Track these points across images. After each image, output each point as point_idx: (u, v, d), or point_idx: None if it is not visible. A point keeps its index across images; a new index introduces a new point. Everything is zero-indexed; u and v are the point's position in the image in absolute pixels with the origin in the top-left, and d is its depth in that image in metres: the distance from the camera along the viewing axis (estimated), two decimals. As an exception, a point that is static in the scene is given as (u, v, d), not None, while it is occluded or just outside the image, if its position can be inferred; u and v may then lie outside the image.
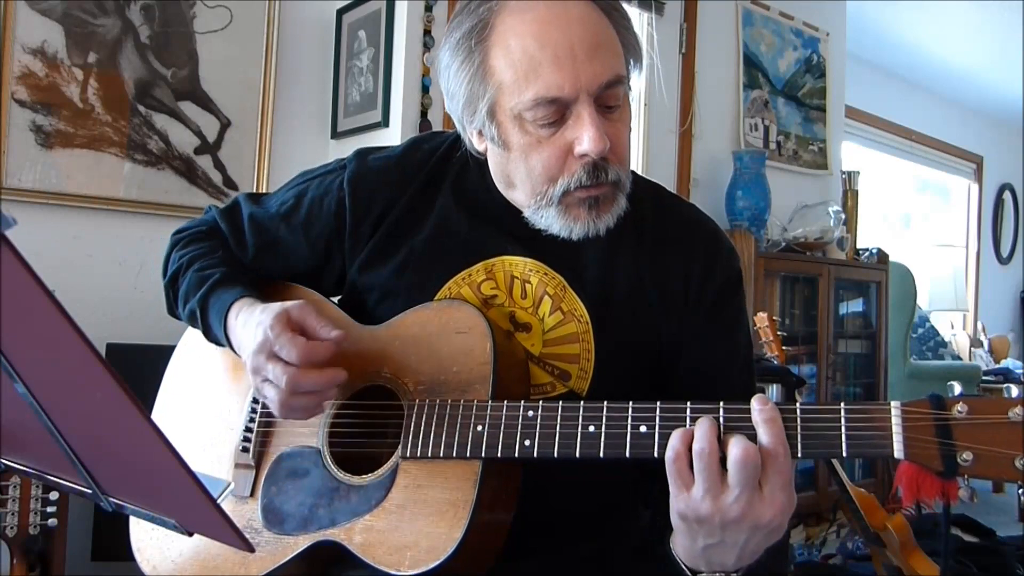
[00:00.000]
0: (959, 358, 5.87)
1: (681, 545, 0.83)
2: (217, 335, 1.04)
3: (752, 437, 0.77)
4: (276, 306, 0.95)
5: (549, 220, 0.98)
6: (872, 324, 4.15)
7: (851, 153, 5.06)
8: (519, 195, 1.01)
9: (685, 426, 0.81)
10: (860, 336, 4.12)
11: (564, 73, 0.90)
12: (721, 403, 0.80)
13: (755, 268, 3.37)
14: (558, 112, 0.92)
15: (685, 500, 0.78)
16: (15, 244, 0.55)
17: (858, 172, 4.29)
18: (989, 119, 6.74)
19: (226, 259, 1.11)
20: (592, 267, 1.02)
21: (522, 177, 0.98)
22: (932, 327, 5.62)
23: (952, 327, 6.29)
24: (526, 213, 1.00)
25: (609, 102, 0.94)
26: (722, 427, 0.79)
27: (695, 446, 0.77)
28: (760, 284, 3.41)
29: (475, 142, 1.03)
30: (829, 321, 3.77)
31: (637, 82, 1.05)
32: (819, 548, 3.22)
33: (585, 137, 0.91)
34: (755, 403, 0.78)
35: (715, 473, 0.76)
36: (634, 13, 3.21)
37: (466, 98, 0.97)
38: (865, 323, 4.16)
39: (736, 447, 0.75)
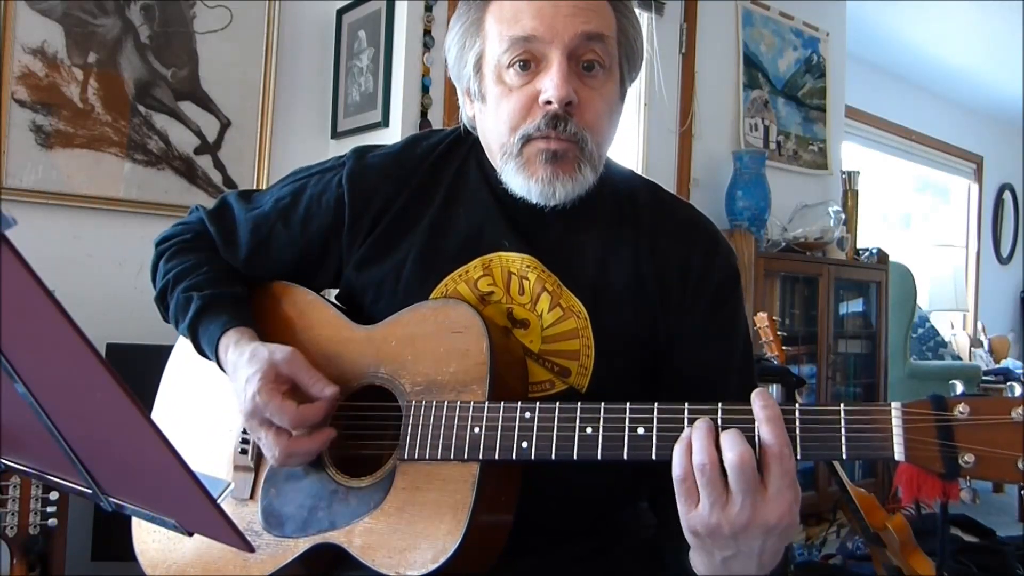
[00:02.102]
0: (959, 358, 5.87)
1: (701, 563, 0.81)
2: (212, 361, 1.05)
3: (751, 437, 0.76)
4: (263, 358, 0.95)
5: (511, 177, 0.99)
6: (872, 324, 4.15)
7: (851, 153, 5.06)
8: (495, 158, 1.02)
9: (683, 428, 0.80)
10: (860, 336, 4.12)
11: (542, 19, 0.94)
12: (720, 404, 0.79)
13: (755, 268, 3.37)
14: (531, 57, 0.95)
15: (695, 517, 0.76)
16: (15, 244, 0.55)
17: (858, 172, 4.29)
18: (989, 119, 6.74)
19: (212, 274, 1.10)
20: (588, 264, 1.02)
21: (494, 130, 0.99)
22: (932, 327, 5.62)
23: (952, 327, 6.29)
24: (499, 174, 1.01)
25: (587, 56, 0.95)
26: (720, 429, 0.77)
27: (694, 460, 0.76)
28: (760, 284, 3.41)
29: (467, 107, 1.06)
30: (829, 321, 3.77)
31: (631, 83, 1.06)
32: (819, 548, 3.22)
33: (548, 82, 0.93)
34: (756, 400, 0.77)
35: (719, 485, 0.75)
36: (634, 13, 3.21)
37: (458, 51, 1.02)
38: (865, 323, 4.16)
39: (732, 452, 0.74)
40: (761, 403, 0.77)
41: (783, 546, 0.79)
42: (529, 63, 0.95)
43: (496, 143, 0.99)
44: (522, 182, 0.98)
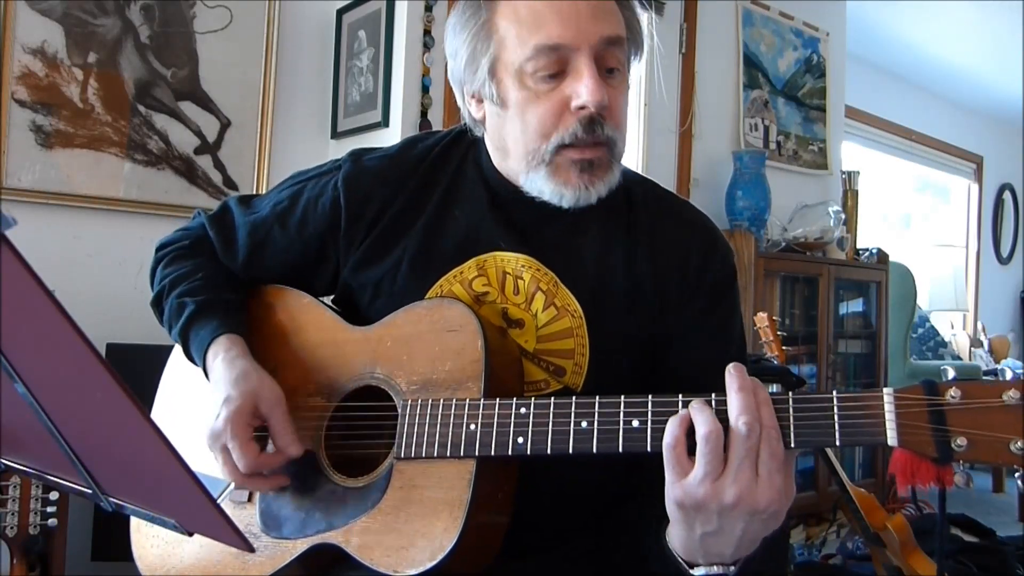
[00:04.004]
0: (959, 358, 5.87)
1: (677, 537, 0.81)
2: (199, 367, 1.06)
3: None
4: (250, 388, 0.97)
5: (540, 183, 0.98)
6: (872, 324, 4.15)
7: (851, 153, 5.05)
8: (513, 161, 1.01)
9: None
10: (860, 336, 4.12)
11: (567, 24, 0.92)
12: (713, 395, 0.80)
13: (755, 268, 3.37)
14: (559, 64, 0.93)
15: (682, 487, 0.76)
16: (15, 244, 0.55)
17: (858, 172, 4.29)
18: (989, 119, 6.74)
19: (207, 281, 1.11)
20: (586, 262, 1.02)
21: (516, 136, 0.98)
22: (932, 327, 5.62)
23: (952, 327, 6.29)
24: (519, 181, 1.01)
25: (609, 63, 0.95)
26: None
27: (702, 430, 0.76)
28: (760, 284, 3.41)
29: (473, 109, 1.04)
30: (829, 321, 3.76)
31: (637, 69, 1.06)
32: (819, 548, 3.22)
33: (583, 88, 0.92)
34: (733, 387, 0.77)
35: (719, 456, 0.75)
36: (634, 13, 3.21)
37: (468, 55, 0.99)
38: (865, 323, 4.16)
39: (735, 421, 0.75)
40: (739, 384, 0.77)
41: (764, 534, 0.79)
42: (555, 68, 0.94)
43: (521, 148, 0.98)
44: (553, 188, 0.97)
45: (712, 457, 0.75)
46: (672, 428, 0.78)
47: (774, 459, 0.75)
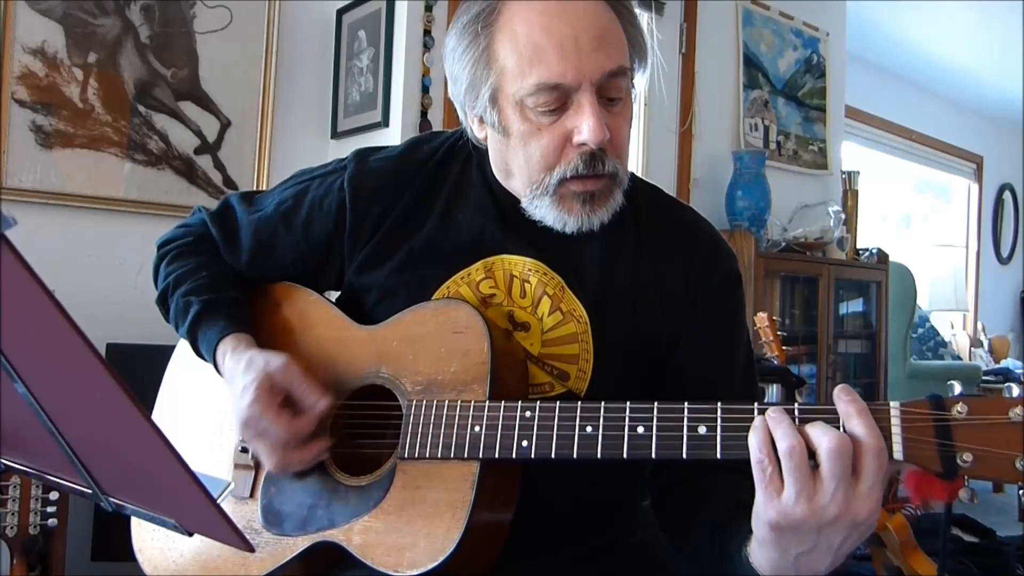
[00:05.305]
0: (959, 358, 5.88)
1: (768, 559, 0.77)
2: (211, 366, 1.06)
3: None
4: (259, 368, 0.96)
5: (543, 211, 0.98)
6: (872, 324, 4.15)
7: (851, 153, 5.06)
8: (516, 184, 1.01)
9: (683, 427, 0.80)
10: (860, 336, 4.12)
11: (567, 61, 0.91)
12: (719, 403, 0.79)
13: (755, 268, 3.37)
14: (559, 100, 0.92)
15: (776, 507, 0.72)
16: (15, 244, 0.55)
17: (858, 172, 4.29)
18: (989, 119, 6.74)
19: (211, 279, 1.10)
20: (591, 267, 1.02)
21: (520, 164, 0.98)
22: (932, 327, 5.63)
23: (952, 327, 6.29)
24: (523, 203, 1.01)
25: (611, 93, 0.94)
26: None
27: (781, 445, 0.72)
28: (760, 284, 3.41)
29: (475, 129, 1.04)
30: (829, 321, 3.77)
31: (642, 82, 1.05)
32: (819, 548, 3.22)
33: (584, 126, 0.91)
34: (842, 395, 0.74)
35: (806, 471, 0.71)
36: (634, 13, 3.20)
37: (469, 82, 0.98)
38: (865, 323, 4.16)
39: (827, 437, 0.71)
40: (847, 398, 0.74)
41: (859, 544, 0.76)
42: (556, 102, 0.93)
43: (525, 176, 0.98)
44: (556, 216, 0.98)
45: (800, 474, 0.71)
46: (755, 444, 0.73)
47: (879, 472, 0.71)
